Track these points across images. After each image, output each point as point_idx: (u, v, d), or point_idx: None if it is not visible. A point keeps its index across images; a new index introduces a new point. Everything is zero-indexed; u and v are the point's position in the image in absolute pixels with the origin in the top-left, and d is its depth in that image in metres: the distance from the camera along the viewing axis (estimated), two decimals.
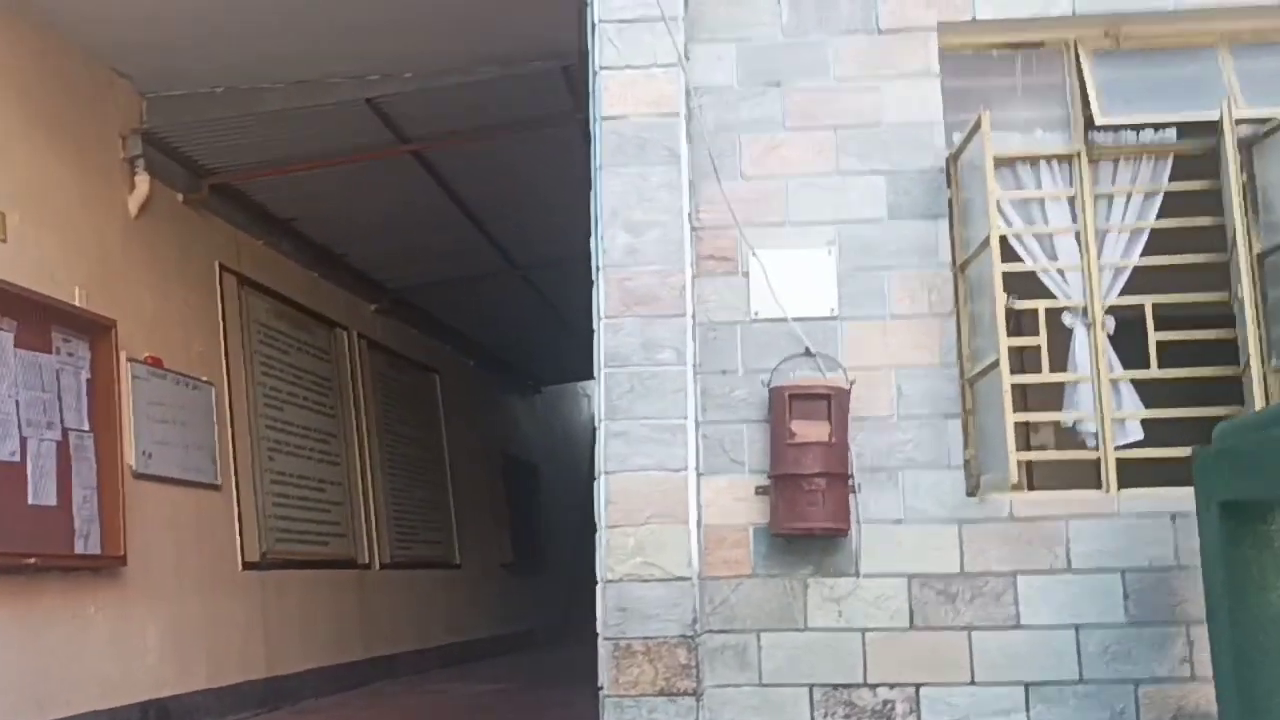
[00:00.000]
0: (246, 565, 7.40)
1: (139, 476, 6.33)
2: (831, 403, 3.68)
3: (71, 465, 5.75)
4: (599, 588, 3.67)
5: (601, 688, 3.64)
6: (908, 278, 3.95)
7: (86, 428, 5.92)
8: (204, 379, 7.19)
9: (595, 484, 3.75)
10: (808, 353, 3.87)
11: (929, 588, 3.76)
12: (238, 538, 7.36)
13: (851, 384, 3.81)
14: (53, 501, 5.57)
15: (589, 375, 14.16)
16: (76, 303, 6.00)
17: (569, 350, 14.04)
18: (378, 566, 9.51)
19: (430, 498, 11.09)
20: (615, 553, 3.59)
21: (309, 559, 8.28)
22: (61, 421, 5.73)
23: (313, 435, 8.71)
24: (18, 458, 5.37)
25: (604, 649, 3.57)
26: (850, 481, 3.72)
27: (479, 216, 8.85)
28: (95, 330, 6.07)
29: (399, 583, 9.91)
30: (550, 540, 15.18)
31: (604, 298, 3.74)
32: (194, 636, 6.70)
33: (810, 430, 3.62)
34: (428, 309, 11.32)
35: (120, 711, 5.88)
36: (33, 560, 5.25)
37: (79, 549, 5.71)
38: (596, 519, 3.74)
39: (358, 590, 9.08)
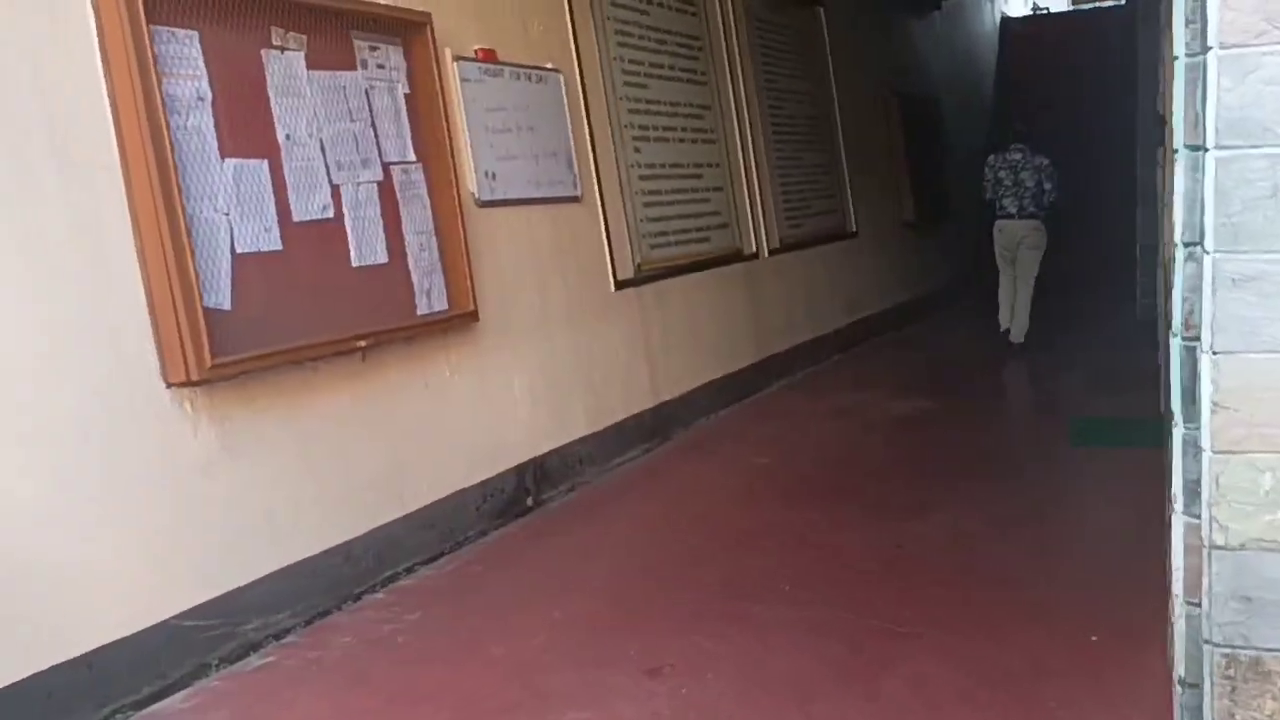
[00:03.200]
0: (620, 284, 6.31)
1: (484, 205, 5.21)
2: None
3: (400, 208, 4.67)
4: (1186, 544, 2.08)
5: (1181, 682, 2.15)
6: None
7: (412, 157, 4.77)
8: (549, 66, 5.82)
9: (1184, 356, 2.06)
10: None
11: None
12: (607, 253, 6.23)
13: None
14: (382, 258, 4.56)
15: None
16: None
17: None
18: (766, 254, 8.22)
19: (820, 161, 9.47)
20: (1233, 496, 1.95)
21: (690, 261, 7.09)
22: (380, 155, 4.60)
23: (683, 112, 7.25)
24: (331, 213, 4.32)
25: (1205, 657, 2.03)
26: None
27: None
28: (406, 29, 4.76)
29: (791, 267, 8.62)
30: (952, 183, 13.25)
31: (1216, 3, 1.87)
32: (568, 379, 5.79)
33: None
34: None
35: (492, 483, 5.11)
36: (364, 343, 4.30)
37: (422, 309, 4.75)
38: (1179, 419, 2.09)
39: (746, 286, 7.88)
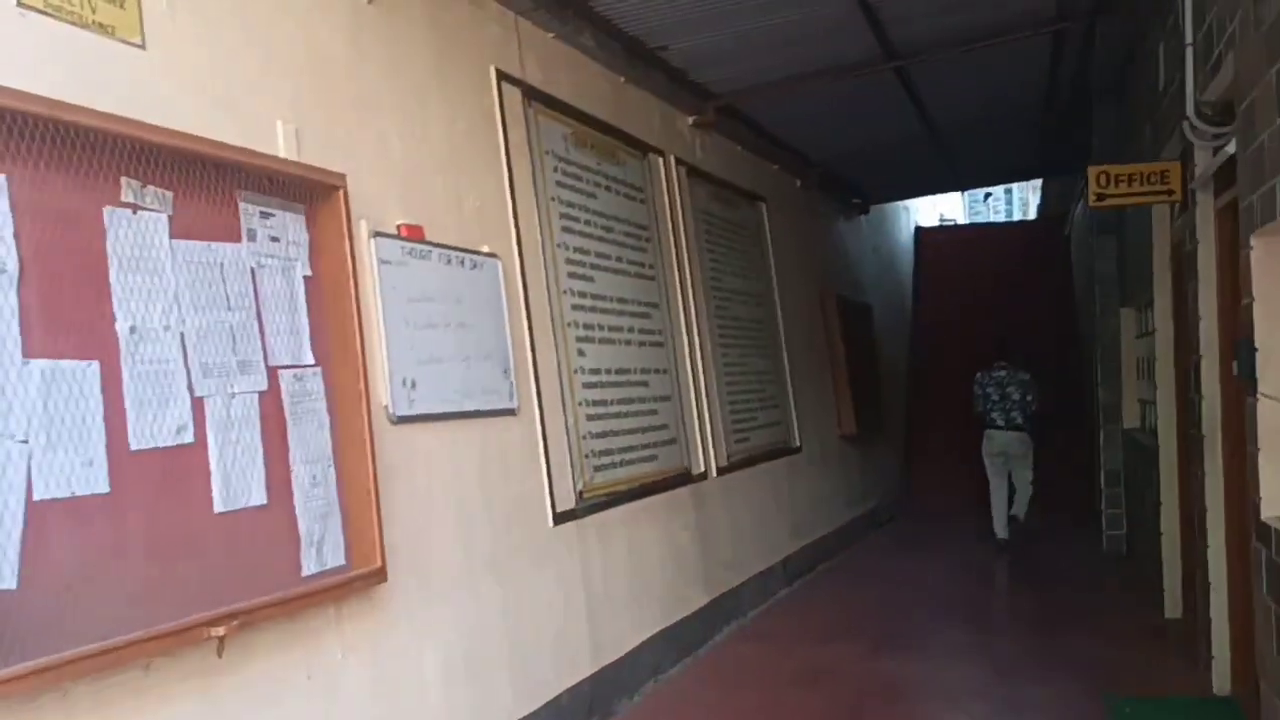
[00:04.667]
0: (559, 517, 5.07)
1: (399, 421, 3.98)
2: None
3: (288, 429, 3.41)
4: None
5: None
6: None
7: (309, 360, 3.55)
8: (485, 250, 4.72)
9: None
10: None
11: None
12: (545, 480, 5.00)
13: None
14: (259, 499, 3.26)
15: (925, 190, 12.12)
16: (280, 150, 3.55)
17: (912, 159, 10.94)
18: (714, 473, 7.08)
19: (764, 367, 8.50)
20: None
21: (636, 485, 5.90)
22: (265, 356, 3.36)
23: (630, 310, 6.19)
24: (190, 436, 3.04)
25: None
26: None
27: None
28: (313, 193, 3.62)
29: (739, 487, 7.49)
30: (885, 393, 12.47)
31: None
32: (494, 647, 4.46)
33: None
34: (756, 118, 8.46)
35: None
36: (222, 630, 2.95)
37: (309, 569, 3.42)
38: None
39: (694, 510, 6.70)
